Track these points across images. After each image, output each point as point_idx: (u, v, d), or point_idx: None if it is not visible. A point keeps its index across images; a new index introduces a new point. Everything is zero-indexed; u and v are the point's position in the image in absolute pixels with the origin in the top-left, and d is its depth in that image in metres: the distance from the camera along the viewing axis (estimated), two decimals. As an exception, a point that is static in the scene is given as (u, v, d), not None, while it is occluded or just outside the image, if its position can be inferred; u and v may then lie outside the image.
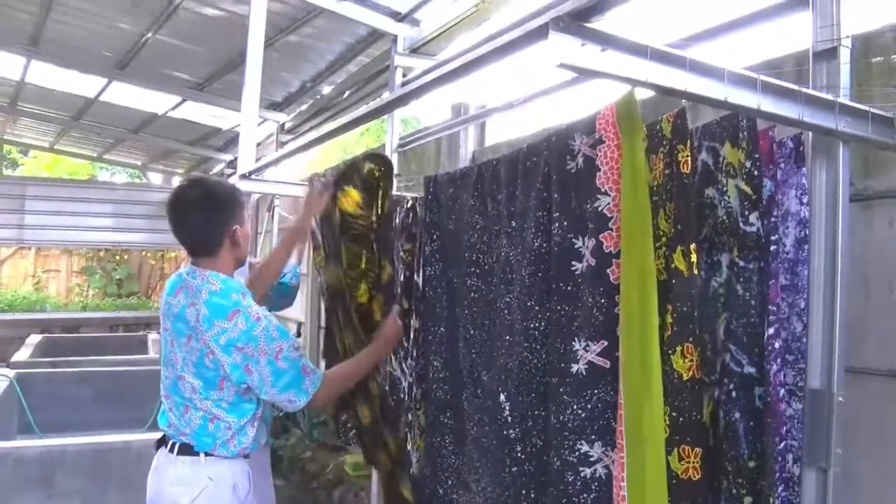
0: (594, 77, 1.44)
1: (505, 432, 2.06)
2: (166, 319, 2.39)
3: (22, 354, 8.27)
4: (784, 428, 1.88)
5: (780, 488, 1.86)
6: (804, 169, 1.89)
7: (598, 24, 1.39)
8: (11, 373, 6.55)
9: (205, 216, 2.35)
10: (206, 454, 2.31)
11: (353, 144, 16.49)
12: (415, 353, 2.69)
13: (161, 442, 2.42)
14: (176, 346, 2.35)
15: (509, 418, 2.05)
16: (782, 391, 1.88)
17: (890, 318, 2.15)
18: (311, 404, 2.35)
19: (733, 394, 1.79)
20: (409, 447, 2.74)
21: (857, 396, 1.91)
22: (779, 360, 1.86)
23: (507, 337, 2.09)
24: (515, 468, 2.02)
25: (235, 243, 2.37)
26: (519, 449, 2.01)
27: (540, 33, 1.38)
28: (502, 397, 2.08)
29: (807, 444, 1.71)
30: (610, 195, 1.76)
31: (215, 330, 2.22)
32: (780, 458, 1.87)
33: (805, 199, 1.88)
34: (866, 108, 1.69)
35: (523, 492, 2.00)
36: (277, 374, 2.24)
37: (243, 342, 2.21)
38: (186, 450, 2.32)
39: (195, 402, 2.31)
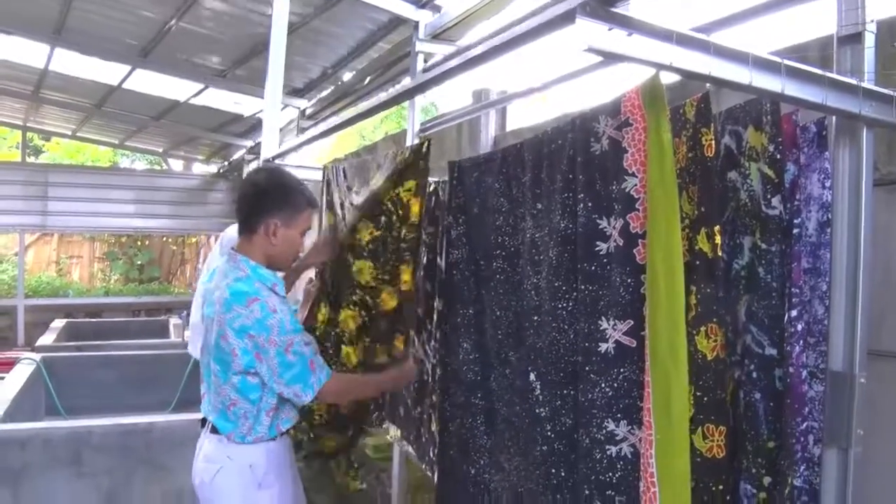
0: (620, 61, 1.46)
1: (536, 411, 2.09)
2: (205, 307, 2.50)
3: (47, 339, 8.41)
4: (806, 409, 1.90)
5: (801, 468, 1.88)
6: (827, 153, 1.90)
7: (623, 8, 1.41)
8: (38, 356, 6.65)
9: (251, 198, 2.46)
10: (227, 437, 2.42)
11: (370, 132, 16.53)
12: (438, 336, 2.71)
13: (203, 422, 2.55)
14: (209, 331, 2.45)
15: (540, 397, 2.08)
16: (804, 373, 1.89)
17: (912, 301, 2.15)
18: (317, 401, 2.46)
19: (754, 374, 1.81)
20: (433, 429, 2.77)
21: (879, 379, 1.93)
22: (801, 342, 1.87)
23: (535, 317, 2.11)
24: (546, 447, 2.05)
25: (269, 237, 2.42)
26: (549, 427, 2.04)
27: (567, 18, 1.40)
28: (532, 376, 2.11)
29: (828, 425, 1.72)
30: (637, 176, 1.78)
31: (232, 314, 2.29)
32: (801, 439, 1.89)
33: (827, 183, 1.88)
34: (891, 93, 1.69)
35: (553, 470, 2.03)
36: (286, 366, 2.31)
37: (256, 331, 2.27)
38: (215, 429, 2.44)
39: (217, 388, 2.41)
